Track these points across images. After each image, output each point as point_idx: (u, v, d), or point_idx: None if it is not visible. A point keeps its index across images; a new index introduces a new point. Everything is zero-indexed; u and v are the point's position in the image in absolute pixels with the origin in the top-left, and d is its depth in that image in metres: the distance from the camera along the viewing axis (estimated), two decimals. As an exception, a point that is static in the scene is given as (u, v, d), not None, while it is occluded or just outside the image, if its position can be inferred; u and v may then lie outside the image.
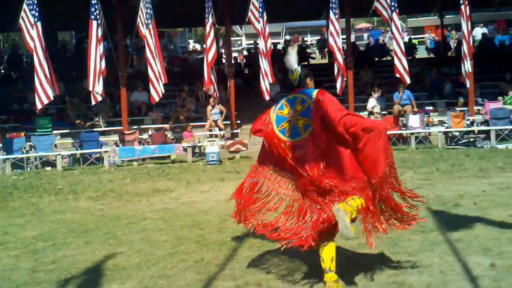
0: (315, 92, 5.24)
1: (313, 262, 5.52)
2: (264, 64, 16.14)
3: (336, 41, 16.54)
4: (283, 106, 5.37)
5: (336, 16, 16.60)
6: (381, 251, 6.15)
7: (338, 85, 16.70)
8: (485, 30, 29.24)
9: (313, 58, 28.64)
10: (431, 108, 19.24)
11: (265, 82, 16.22)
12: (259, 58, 16.42)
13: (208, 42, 16.22)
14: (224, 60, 24.01)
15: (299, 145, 5.15)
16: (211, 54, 16.16)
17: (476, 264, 5.54)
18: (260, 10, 16.15)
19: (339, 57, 16.57)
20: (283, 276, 5.63)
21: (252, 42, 30.45)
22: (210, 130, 18.08)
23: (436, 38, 31.37)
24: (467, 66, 16.55)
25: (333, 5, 16.56)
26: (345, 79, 17.11)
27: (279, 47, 26.80)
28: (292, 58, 5.48)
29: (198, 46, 37.80)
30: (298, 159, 5.13)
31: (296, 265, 5.90)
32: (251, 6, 16.39)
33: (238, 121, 18.44)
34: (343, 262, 5.44)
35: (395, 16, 16.21)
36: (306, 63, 25.20)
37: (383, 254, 6.09)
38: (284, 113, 5.32)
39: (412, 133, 16.96)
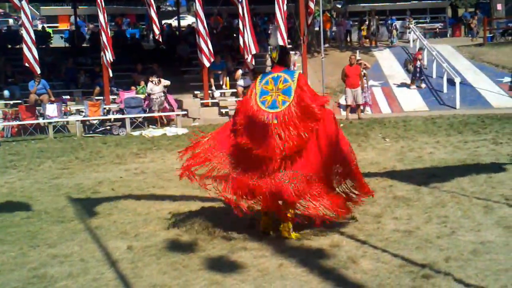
0: (296, 74, 5.98)
1: None
2: None
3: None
4: (268, 82, 6.04)
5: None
6: (21, 247, 5.97)
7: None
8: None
9: None
10: (68, 97, 19.24)
11: None
12: None
13: None
14: None
15: (275, 116, 5.81)
16: None
17: (115, 249, 5.76)
18: None
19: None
20: None
21: None
22: None
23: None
24: (108, 56, 17.05)
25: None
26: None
27: None
28: (277, 37, 6.05)
29: None
30: (266, 126, 5.79)
31: None
32: None
33: None
34: None
35: (24, 4, 15.72)
36: None
37: (22, 249, 5.90)
38: (268, 88, 5.99)
39: (50, 123, 16.71)
